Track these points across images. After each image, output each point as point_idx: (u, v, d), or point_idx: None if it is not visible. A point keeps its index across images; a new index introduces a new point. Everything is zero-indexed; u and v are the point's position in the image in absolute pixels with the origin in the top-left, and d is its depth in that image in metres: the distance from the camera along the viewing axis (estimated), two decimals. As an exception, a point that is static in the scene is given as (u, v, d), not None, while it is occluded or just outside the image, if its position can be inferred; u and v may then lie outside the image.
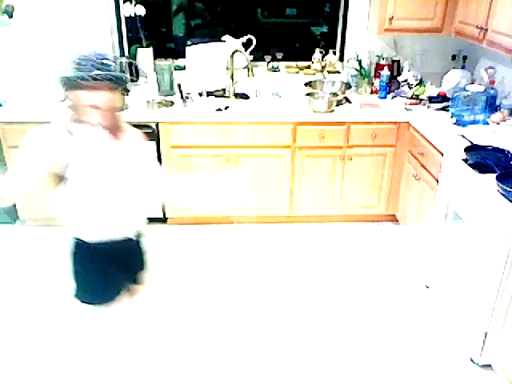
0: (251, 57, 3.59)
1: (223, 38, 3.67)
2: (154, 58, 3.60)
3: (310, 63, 3.82)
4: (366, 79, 3.58)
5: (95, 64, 1.50)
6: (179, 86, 3.36)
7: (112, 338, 2.05)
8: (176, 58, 3.64)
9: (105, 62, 1.52)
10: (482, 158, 2.44)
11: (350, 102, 3.41)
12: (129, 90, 3.32)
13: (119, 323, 1.95)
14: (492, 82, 3.18)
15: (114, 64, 1.57)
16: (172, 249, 3.28)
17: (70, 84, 1.52)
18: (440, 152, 2.71)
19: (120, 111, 1.67)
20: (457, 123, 2.97)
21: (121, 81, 1.55)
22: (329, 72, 3.70)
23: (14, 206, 3.37)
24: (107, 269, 1.76)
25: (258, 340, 2.51)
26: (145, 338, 2.36)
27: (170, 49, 3.66)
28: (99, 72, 1.49)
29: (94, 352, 2.37)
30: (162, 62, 3.44)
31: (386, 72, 3.47)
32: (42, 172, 1.52)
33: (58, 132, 1.58)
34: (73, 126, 1.57)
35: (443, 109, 3.20)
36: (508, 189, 2.08)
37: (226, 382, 2.26)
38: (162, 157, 3.24)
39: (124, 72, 3.51)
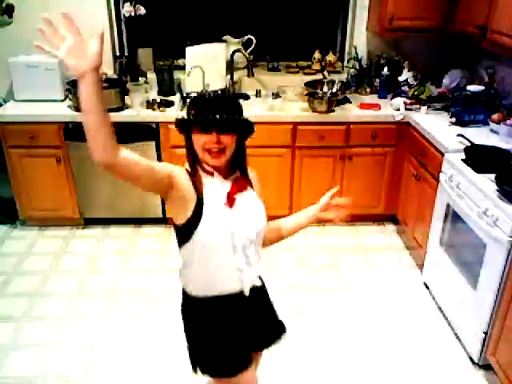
0: (251, 57, 3.59)
1: (223, 38, 3.67)
2: (154, 58, 3.60)
3: (309, 63, 3.82)
4: (366, 79, 3.58)
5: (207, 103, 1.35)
6: (179, 85, 3.36)
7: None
8: (176, 58, 3.64)
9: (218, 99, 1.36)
10: (481, 158, 2.45)
11: (349, 102, 3.41)
12: (128, 90, 3.32)
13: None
14: (492, 82, 3.18)
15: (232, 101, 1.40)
16: (171, 249, 3.28)
17: (183, 125, 1.40)
18: (440, 152, 2.71)
19: (241, 158, 1.48)
20: (457, 123, 2.97)
21: (234, 124, 1.37)
22: (329, 72, 3.70)
23: (14, 205, 3.37)
24: (225, 330, 1.52)
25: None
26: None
27: (170, 49, 3.66)
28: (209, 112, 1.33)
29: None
30: (161, 62, 3.44)
31: (385, 72, 3.47)
32: (159, 174, 1.32)
33: (183, 172, 1.40)
34: (192, 173, 1.42)
35: (443, 109, 3.20)
36: (508, 189, 2.08)
37: None
38: (162, 157, 3.24)
39: (124, 72, 3.52)
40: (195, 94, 1.42)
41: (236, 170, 1.49)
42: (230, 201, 1.42)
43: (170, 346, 2.43)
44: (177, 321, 1.60)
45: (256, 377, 1.64)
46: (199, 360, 1.53)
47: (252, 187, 1.54)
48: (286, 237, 1.75)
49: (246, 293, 1.49)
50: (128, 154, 1.22)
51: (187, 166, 1.45)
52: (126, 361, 2.37)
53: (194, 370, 1.53)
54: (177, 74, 3.53)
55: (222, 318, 1.50)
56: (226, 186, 1.44)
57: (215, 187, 1.42)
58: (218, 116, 1.33)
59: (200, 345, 1.53)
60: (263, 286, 1.64)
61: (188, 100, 1.44)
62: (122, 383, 2.25)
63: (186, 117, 1.38)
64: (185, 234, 1.41)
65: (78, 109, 3.14)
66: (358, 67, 3.58)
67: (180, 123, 1.39)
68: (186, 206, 1.38)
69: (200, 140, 1.36)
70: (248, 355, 1.56)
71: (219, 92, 1.38)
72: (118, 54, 3.64)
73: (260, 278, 1.59)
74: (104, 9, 3.43)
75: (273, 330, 1.68)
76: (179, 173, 1.38)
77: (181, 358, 2.38)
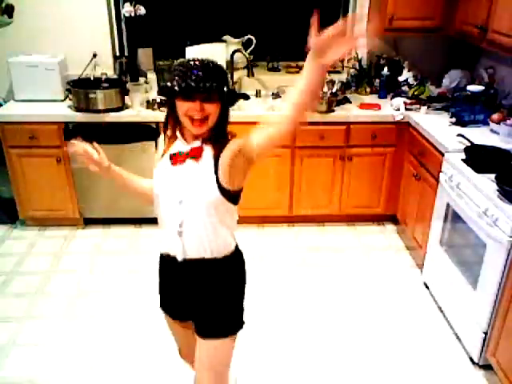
0: (251, 57, 3.59)
1: (223, 37, 3.67)
2: (154, 58, 3.60)
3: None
4: (366, 79, 3.58)
5: (188, 71, 1.35)
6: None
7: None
8: (176, 58, 3.62)
9: (200, 68, 1.35)
10: (481, 158, 2.45)
11: (349, 102, 3.40)
12: (128, 90, 3.32)
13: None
14: (492, 82, 3.18)
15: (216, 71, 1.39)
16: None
17: (165, 93, 1.48)
18: (440, 152, 2.71)
19: (221, 128, 1.47)
20: (457, 123, 2.97)
21: (214, 91, 1.36)
22: (329, 72, 3.69)
23: (14, 205, 3.37)
24: (168, 283, 1.70)
25: (257, 340, 2.51)
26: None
27: (170, 49, 3.66)
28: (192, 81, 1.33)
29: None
30: (161, 62, 3.44)
31: (385, 72, 3.47)
32: None
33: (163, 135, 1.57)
34: (170, 133, 1.51)
35: (443, 109, 3.20)
36: (508, 189, 2.08)
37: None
38: (162, 157, 3.24)
39: (124, 72, 3.52)
40: (179, 62, 1.41)
41: (207, 139, 1.46)
42: (174, 159, 1.47)
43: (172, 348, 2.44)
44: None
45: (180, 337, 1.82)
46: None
47: (220, 157, 1.44)
48: (303, 101, 1.28)
49: (179, 258, 1.54)
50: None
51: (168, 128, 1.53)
52: (126, 361, 2.37)
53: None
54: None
55: (162, 274, 1.72)
56: (185, 148, 1.47)
57: (175, 147, 1.50)
58: (202, 84, 1.33)
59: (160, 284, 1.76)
60: (207, 266, 1.55)
61: (172, 67, 1.43)
62: (122, 381, 2.25)
63: (169, 84, 1.37)
64: None
65: (78, 109, 3.14)
66: (358, 67, 3.58)
67: (164, 90, 1.46)
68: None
69: (183, 107, 1.38)
70: (178, 314, 1.72)
71: (204, 61, 1.38)
72: (118, 54, 3.64)
73: (218, 265, 1.56)
74: (104, 9, 3.43)
75: (205, 320, 1.62)
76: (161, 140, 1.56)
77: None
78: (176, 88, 1.35)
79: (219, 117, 1.42)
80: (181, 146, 1.48)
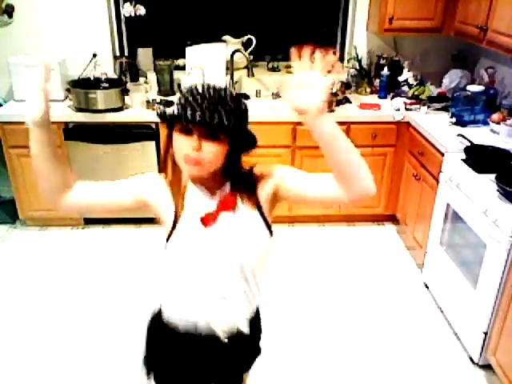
0: (251, 57, 3.59)
1: (223, 37, 3.67)
2: (154, 58, 3.60)
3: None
4: (366, 79, 3.58)
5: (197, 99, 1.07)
6: (179, 86, 3.36)
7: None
8: (176, 58, 3.63)
9: (210, 97, 1.08)
10: (481, 158, 2.45)
11: (350, 102, 3.40)
12: (128, 90, 3.32)
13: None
14: (492, 82, 3.18)
15: (229, 103, 1.10)
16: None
17: (165, 121, 1.16)
18: (440, 152, 2.71)
19: (233, 167, 1.20)
20: (457, 123, 2.97)
21: (223, 127, 1.08)
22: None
23: (14, 206, 3.37)
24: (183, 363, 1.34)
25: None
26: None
27: (170, 49, 3.66)
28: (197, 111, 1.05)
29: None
30: (161, 62, 3.44)
31: (385, 72, 3.47)
32: (130, 194, 1.25)
33: (157, 179, 1.25)
34: (174, 183, 1.22)
35: (443, 109, 3.20)
36: (508, 189, 2.08)
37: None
38: (162, 157, 3.24)
39: (124, 72, 3.52)
40: (186, 87, 1.15)
41: (225, 184, 1.20)
42: (206, 220, 1.16)
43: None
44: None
45: None
46: (156, 373, 1.40)
47: (258, 194, 1.20)
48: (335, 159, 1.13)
49: (222, 337, 1.25)
50: (80, 197, 1.22)
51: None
52: (126, 361, 2.37)
53: (148, 375, 1.41)
54: (177, 74, 3.52)
55: (184, 354, 1.31)
56: (211, 203, 1.18)
57: (197, 199, 1.19)
58: (199, 115, 1.04)
59: (158, 364, 1.39)
60: (253, 331, 1.33)
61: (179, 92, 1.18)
62: (122, 381, 2.25)
63: (165, 109, 1.16)
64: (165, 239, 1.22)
65: (78, 109, 3.14)
66: (358, 67, 3.58)
67: (160, 117, 1.16)
68: (164, 219, 1.22)
69: (178, 141, 1.12)
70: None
71: (215, 87, 1.10)
72: (118, 53, 3.64)
73: (254, 319, 1.34)
74: (104, 9, 3.43)
75: (244, 361, 1.44)
76: (151, 187, 1.22)
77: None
78: (169, 116, 1.12)
79: (228, 159, 1.15)
80: (200, 201, 1.19)
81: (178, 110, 1.08)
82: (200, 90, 1.09)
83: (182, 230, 1.18)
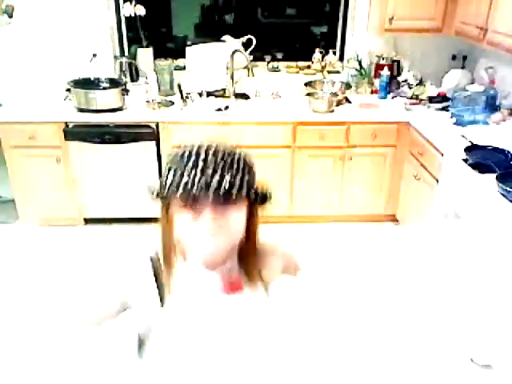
0: (251, 57, 3.59)
1: (223, 37, 3.67)
2: (154, 58, 3.59)
3: (309, 63, 3.82)
4: (366, 79, 3.58)
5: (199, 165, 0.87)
6: (179, 86, 3.36)
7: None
8: (176, 58, 3.64)
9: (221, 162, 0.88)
10: (482, 158, 2.45)
11: (349, 102, 3.40)
12: (128, 90, 3.32)
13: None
14: (492, 82, 3.18)
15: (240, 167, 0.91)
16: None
17: (161, 197, 0.94)
18: (440, 152, 2.71)
19: (251, 243, 1.01)
20: (457, 123, 2.97)
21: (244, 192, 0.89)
22: (329, 72, 3.70)
23: (14, 205, 3.37)
24: None
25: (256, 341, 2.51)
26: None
27: (170, 49, 3.66)
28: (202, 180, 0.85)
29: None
30: (161, 62, 3.44)
31: (385, 72, 3.47)
32: (115, 307, 1.02)
33: (141, 269, 1.01)
34: (167, 262, 0.99)
35: (443, 109, 3.20)
36: (508, 189, 2.08)
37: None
38: (162, 157, 3.24)
39: (124, 72, 3.52)
40: (176, 151, 0.92)
41: (233, 254, 1.00)
42: (230, 289, 0.98)
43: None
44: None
45: None
46: None
47: (254, 282, 1.02)
48: None
49: None
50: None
51: (158, 251, 1.02)
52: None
53: None
54: (177, 74, 3.53)
55: None
56: (209, 279, 0.96)
57: (188, 279, 0.97)
58: (215, 186, 0.85)
59: None
60: None
61: (169, 158, 0.93)
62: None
63: (163, 184, 0.91)
64: None
65: (78, 109, 3.14)
66: (358, 67, 3.58)
67: (157, 193, 0.95)
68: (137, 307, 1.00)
69: (184, 219, 0.90)
70: None
71: (212, 148, 0.89)
72: (118, 54, 3.64)
73: None
74: (104, 9, 3.43)
75: None
76: (130, 285, 1.00)
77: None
78: (174, 192, 0.88)
79: (246, 227, 0.96)
80: (196, 277, 0.97)
81: (177, 185, 0.87)
82: (195, 156, 0.88)
83: (170, 319, 0.96)
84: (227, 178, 0.86)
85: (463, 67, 3.49)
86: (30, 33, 3.39)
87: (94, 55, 3.45)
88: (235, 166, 0.89)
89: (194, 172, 0.85)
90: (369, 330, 2.59)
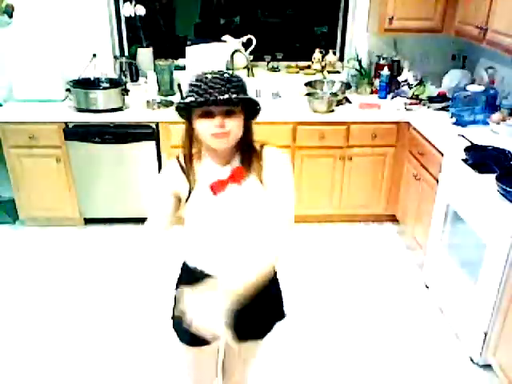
0: (251, 57, 3.59)
1: (223, 37, 3.67)
2: (154, 58, 3.60)
3: (309, 63, 3.82)
4: (366, 79, 3.58)
5: (208, 84, 1.26)
6: (179, 86, 3.36)
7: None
8: (176, 58, 3.64)
9: (219, 79, 1.27)
10: (481, 158, 2.45)
11: (350, 102, 3.41)
12: (128, 90, 3.32)
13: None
14: (492, 82, 3.18)
15: (237, 82, 1.30)
16: (172, 249, 3.28)
17: (182, 110, 1.33)
18: (440, 152, 2.71)
19: (248, 141, 1.38)
20: (457, 123, 2.97)
21: (240, 103, 1.28)
22: (329, 72, 3.70)
23: (14, 205, 3.37)
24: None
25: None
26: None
27: (170, 49, 3.66)
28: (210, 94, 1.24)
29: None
30: (162, 62, 3.45)
31: (385, 72, 3.47)
32: (170, 196, 1.40)
33: (174, 166, 1.41)
34: (186, 161, 1.39)
35: (443, 109, 3.20)
36: (508, 189, 2.08)
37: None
38: (162, 157, 3.24)
39: (124, 72, 3.52)
40: (193, 77, 1.31)
41: (238, 156, 1.38)
42: (214, 188, 1.35)
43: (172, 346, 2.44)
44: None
45: (215, 360, 1.68)
46: (176, 325, 1.56)
47: (260, 174, 1.37)
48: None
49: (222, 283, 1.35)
50: (168, 223, 1.43)
51: (180, 154, 1.41)
52: (126, 361, 2.37)
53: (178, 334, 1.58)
54: (177, 74, 3.53)
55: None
56: (223, 172, 1.37)
57: (208, 173, 1.38)
58: (220, 98, 1.23)
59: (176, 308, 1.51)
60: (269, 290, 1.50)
61: (186, 83, 1.35)
62: (122, 380, 2.26)
63: (184, 101, 1.29)
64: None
65: (78, 109, 3.14)
66: (358, 67, 3.58)
67: (180, 107, 1.32)
68: (181, 192, 1.40)
69: (203, 125, 1.29)
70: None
71: (221, 72, 1.29)
72: (118, 53, 3.64)
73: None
74: (104, 9, 3.43)
75: (252, 326, 1.55)
76: (173, 178, 1.39)
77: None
78: (194, 104, 1.26)
79: (244, 129, 1.33)
80: (213, 171, 1.37)
81: (196, 98, 1.25)
82: (209, 77, 1.27)
83: (196, 197, 1.38)
84: (231, 95, 1.24)
85: (463, 67, 3.49)
86: (29, 33, 3.39)
87: (94, 55, 3.45)
88: (235, 87, 1.26)
89: (207, 93, 1.24)
90: (368, 330, 2.59)
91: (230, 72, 1.32)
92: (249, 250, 1.39)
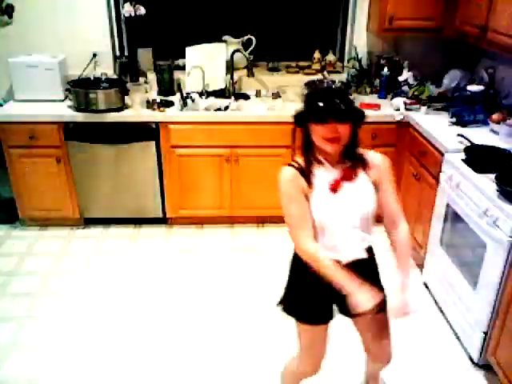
0: (251, 57, 3.59)
1: (223, 38, 3.67)
2: (154, 58, 3.60)
3: (310, 63, 3.82)
4: (366, 79, 3.58)
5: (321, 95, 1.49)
6: (179, 85, 3.36)
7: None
8: (176, 58, 3.64)
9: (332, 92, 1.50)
10: (481, 158, 2.45)
11: (350, 102, 3.40)
12: (128, 90, 3.32)
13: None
14: (492, 82, 3.17)
15: (346, 96, 1.53)
16: (172, 250, 3.28)
17: (299, 118, 1.58)
18: (440, 152, 2.71)
19: (354, 146, 1.59)
20: (457, 123, 2.97)
21: (347, 115, 1.49)
22: (329, 72, 3.70)
23: (14, 205, 3.37)
24: (319, 289, 1.67)
25: (256, 342, 2.51)
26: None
27: (170, 49, 3.66)
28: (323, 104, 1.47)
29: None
30: (162, 62, 3.44)
31: (385, 72, 3.47)
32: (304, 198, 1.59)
33: (292, 173, 1.64)
34: (305, 165, 1.63)
35: (443, 109, 3.20)
36: (508, 189, 2.08)
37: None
38: (162, 157, 3.24)
39: (124, 72, 3.52)
40: (309, 90, 1.61)
41: (346, 160, 1.59)
42: (333, 187, 1.57)
43: (174, 346, 2.44)
44: (179, 319, 1.59)
45: (326, 337, 1.83)
46: (292, 304, 1.77)
47: (367, 173, 1.61)
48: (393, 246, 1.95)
49: (343, 262, 1.65)
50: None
51: (298, 158, 1.68)
52: (127, 360, 2.37)
53: (284, 311, 1.79)
54: (177, 74, 3.53)
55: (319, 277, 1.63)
56: (335, 173, 1.58)
57: (324, 175, 1.59)
58: (335, 109, 1.45)
59: (296, 291, 1.77)
60: (369, 260, 1.83)
61: (304, 94, 1.59)
62: (123, 380, 2.25)
63: (303, 110, 1.54)
64: None
65: (78, 109, 3.14)
66: (358, 67, 3.58)
67: (298, 117, 1.57)
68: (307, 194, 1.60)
69: (318, 131, 1.50)
70: (330, 314, 1.76)
71: (331, 87, 1.59)
72: (118, 53, 3.64)
73: (370, 250, 1.84)
74: (104, 9, 3.43)
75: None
76: (295, 183, 1.60)
77: (183, 359, 2.38)
78: (314, 113, 1.49)
79: (351, 135, 1.53)
80: (328, 173, 1.59)
81: (313, 108, 1.49)
82: (321, 91, 1.55)
83: (317, 197, 1.58)
84: (342, 107, 1.46)
85: (463, 67, 3.48)
86: (29, 33, 3.39)
87: (94, 55, 3.45)
88: (344, 99, 1.48)
89: (326, 103, 1.46)
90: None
91: (338, 85, 1.59)
92: (364, 237, 1.73)
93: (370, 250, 1.82)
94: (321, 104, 1.46)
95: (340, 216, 1.60)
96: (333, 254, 1.63)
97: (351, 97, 1.53)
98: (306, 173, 1.61)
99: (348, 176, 1.59)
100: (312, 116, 1.50)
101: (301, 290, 1.75)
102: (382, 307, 1.72)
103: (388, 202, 1.72)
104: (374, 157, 1.66)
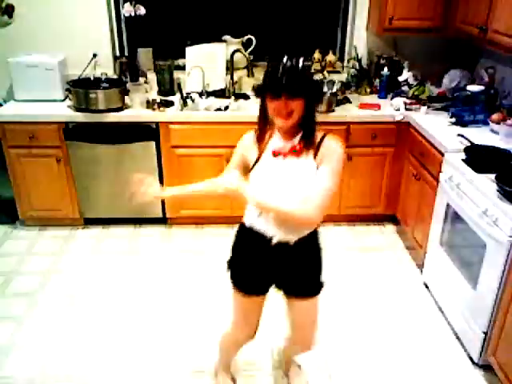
0: (251, 57, 3.59)
1: (223, 37, 3.67)
2: (154, 58, 3.60)
3: (309, 63, 3.82)
4: (366, 79, 3.58)
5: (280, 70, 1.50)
6: (179, 85, 3.36)
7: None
8: (176, 58, 3.63)
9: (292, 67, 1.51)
10: (481, 158, 2.45)
11: (350, 102, 3.40)
12: (128, 90, 3.32)
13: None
14: (492, 82, 3.18)
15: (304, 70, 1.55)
16: (172, 250, 3.28)
17: (258, 90, 1.67)
18: (440, 152, 2.71)
19: (308, 123, 1.60)
20: (457, 123, 2.97)
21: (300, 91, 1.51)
22: (329, 72, 3.69)
23: (14, 205, 3.37)
24: (256, 259, 1.76)
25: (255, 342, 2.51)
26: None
27: (170, 49, 3.66)
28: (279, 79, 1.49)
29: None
30: (161, 62, 3.44)
31: (385, 72, 3.47)
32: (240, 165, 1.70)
33: (250, 136, 1.71)
34: (258, 133, 1.68)
35: (443, 109, 3.20)
36: (508, 189, 2.08)
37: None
38: (162, 157, 3.24)
39: (124, 72, 3.52)
40: (270, 65, 1.58)
41: (299, 136, 1.61)
42: (275, 152, 1.62)
43: (176, 345, 2.44)
44: (179, 319, 1.59)
45: (260, 310, 1.91)
46: (232, 270, 1.85)
47: (316, 154, 1.59)
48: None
49: (273, 241, 1.69)
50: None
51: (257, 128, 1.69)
52: (127, 360, 2.37)
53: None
54: (177, 74, 3.53)
55: (254, 248, 1.75)
56: (286, 146, 1.61)
57: (274, 144, 1.64)
58: (285, 84, 1.48)
59: (236, 260, 1.84)
60: (297, 246, 1.75)
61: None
62: (123, 380, 2.25)
63: (261, 83, 1.59)
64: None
65: (78, 109, 3.14)
66: (357, 67, 3.58)
67: (256, 89, 1.76)
68: (249, 161, 1.69)
69: (271, 105, 1.54)
70: (264, 288, 1.83)
71: (289, 63, 1.51)
72: (118, 54, 3.64)
73: (314, 234, 1.81)
74: (104, 9, 3.43)
75: (299, 284, 1.87)
76: (246, 146, 1.69)
77: (188, 362, 2.38)
78: (265, 87, 1.54)
79: (305, 112, 1.55)
80: (279, 144, 1.63)
81: (270, 82, 1.53)
82: (279, 67, 1.50)
83: (260, 163, 1.65)
84: (294, 83, 1.49)
85: (463, 67, 3.48)
86: (30, 32, 3.39)
87: (94, 55, 3.45)
88: (300, 76, 1.51)
89: (278, 79, 1.49)
90: (368, 330, 2.59)
91: (299, 61, 1.52)
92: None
93: (313, 233, 1.81)
94: (273, 79, 1.50)
95: (275, 184, 1.62)
96: (264, 225, 1.68)
97: (317, 76, 1.57)
98: (257, 139, 1.67)
99: (294, 151, 1.60)
100: (266, 90, 1.54)
101: (242, 258, 1.82)
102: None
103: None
104: (329, 141, 1.62)
